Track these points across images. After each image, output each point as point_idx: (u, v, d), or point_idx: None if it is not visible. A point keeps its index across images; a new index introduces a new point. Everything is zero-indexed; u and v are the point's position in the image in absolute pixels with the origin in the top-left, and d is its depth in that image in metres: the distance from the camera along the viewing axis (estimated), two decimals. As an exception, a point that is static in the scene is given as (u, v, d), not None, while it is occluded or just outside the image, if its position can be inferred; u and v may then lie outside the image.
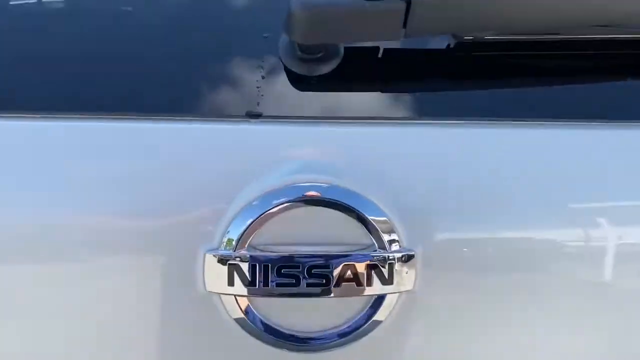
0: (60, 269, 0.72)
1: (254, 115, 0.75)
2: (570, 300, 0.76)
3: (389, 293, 0.71)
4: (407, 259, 0.71)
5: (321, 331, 0.72)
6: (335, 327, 0.72)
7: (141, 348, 0.74)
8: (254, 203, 0.70)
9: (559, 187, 0.75)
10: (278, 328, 0.72)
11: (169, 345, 0.74)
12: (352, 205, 0.70)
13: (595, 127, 0.78)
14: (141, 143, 0.73)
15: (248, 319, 0.71)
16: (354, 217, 0.70)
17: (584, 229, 0.75)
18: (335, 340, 0.72)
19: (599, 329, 0.77)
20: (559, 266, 0.75)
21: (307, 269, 0.69)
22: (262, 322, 0.72)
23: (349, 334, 0.72)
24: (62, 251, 0.71)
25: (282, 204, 0.70)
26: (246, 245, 0.70)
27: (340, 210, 0.70)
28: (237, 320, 0.72)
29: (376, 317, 0.72)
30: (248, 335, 0.72)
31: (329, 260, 0.69)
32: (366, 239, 0.71)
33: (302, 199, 0.70)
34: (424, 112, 0.80)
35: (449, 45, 0.81)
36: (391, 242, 0.71)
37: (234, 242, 0.70)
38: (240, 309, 0.71)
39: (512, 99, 0.82)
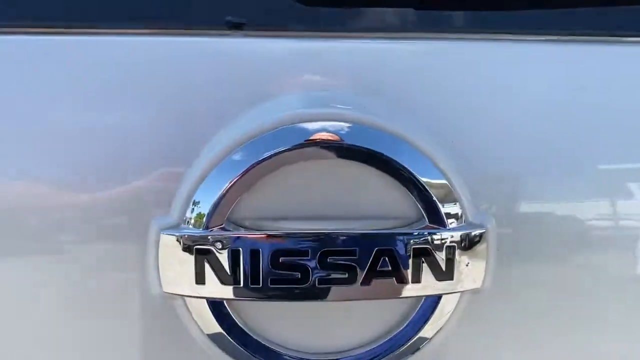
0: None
1: (235, 26, 0.50)
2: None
3: (445, 293, 0.46)
4: (474, 241, 0.46)
5: (340, 352, 0.47)
6: (362, 347, 0.47)
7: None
8: (234, 155, 0.45)
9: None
10: (273, 348, 0.47)
11: None
12: (390, 156, 0.45)
13: None
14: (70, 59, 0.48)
15: (227, 333, 0.46)
16: (391, 176, 0.45)
17: None
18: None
19: None
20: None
21: (320, 255, 0.44)
22: (248, 337, 0.47)
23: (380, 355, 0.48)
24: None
25: (277, 154, 0.44)
26: (224, 221, 0.45)
27: (368, 165, 0.45)
28: (211, 335, 0.47)
29: (424, 331, 0.47)
30: (226, 357, 0.47)
31: (353, 242, 0.45)
32: (411, 210, 0.46)
33: (309, 146, 0.45)
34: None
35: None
36: (450, 215, 0.46)
37: (204, 217, 0.45)
38: (216, 318, 0.46)
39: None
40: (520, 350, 0.53)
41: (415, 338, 0.48)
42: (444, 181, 0.47)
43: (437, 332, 0.49)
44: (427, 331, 0.48)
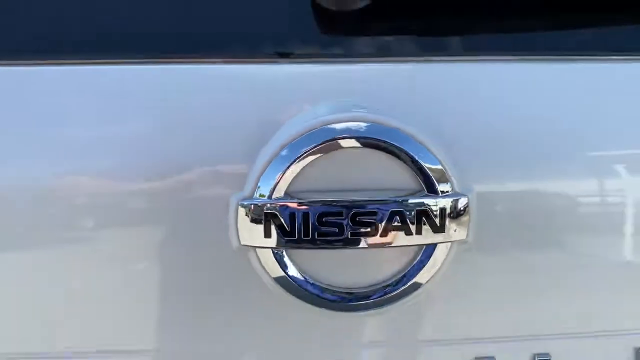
0: (85, 223, 0.66)
1: (283, 55, 0.69)
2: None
3: (439, 242, 0.65)
4: (459, 206, 0.65)
5: (369, 286, 0.66)
6: (383, 281, 0.66)
7: (171, 309, 0.68)
8: (286, 149, 0.64)
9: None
10: (319, 284, 0.66)
11: (201, 306, 0.68)
12: (398, 145, 0.64)
13: None
14: (165, 87, 0.67)
15: (287, 275, 0.65)
16: (402, 161, 0.64)
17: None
18: (382, 297, 0.66)
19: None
20: None
21: (351, 216, 0.63)
22: (302, 278, 0.65)
23: (397, 287, 0.66)
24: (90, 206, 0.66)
25: (320, 144, 0.63)
26: (283, 193, 0.64)
27: (384, 152, 0.64)
28: (275, 278, 0.65)
29: (426, 269, 0.66)
30: (285, 292, 0.66)
31: (374, 207, 0.63)
32: (415, 184, 0.65)
33: (343, 139, 0.63)
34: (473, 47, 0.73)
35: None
36: (443, 188, 0.65)
37: (269, 190, 0.64)
38: (278, 264, 0.65)
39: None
40: (499, 293, 0.71)
41: (412, 281, 0.66)
42: (439, 166, 0.65)
43: (431, 277, 0.66)
44: (428, 269, 0.66)
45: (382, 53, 0.71)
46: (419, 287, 0.66)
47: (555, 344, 0.71)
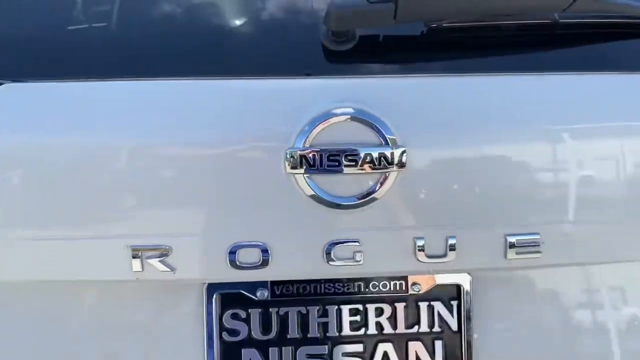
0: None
1: (307, 74, 1.30)
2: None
3: (388, 171, 1.22)
4: (402, 151, 1.23)
5: (352, 196, 1.24)
6: (361, 193, 1.24)
7: (243, 210, 1.24)
8: (313, 120, 1.23)
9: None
10: (327, 194, 1.24)
11: (262, 209, 1.25)
12: (370, 121, 1.23)
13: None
14: (232, 99, 1.26)
15: (311, 189, 1.23)
16: (372, 128, 1.23)
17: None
18: (362, 200, 1.24)
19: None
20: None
21: (345, 156, 1.21)
22: (319, 191, 1.23)
23: (367, 196, 1.24)
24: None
25: (330, 118, 1.22)
26: (310, 144, 1.22)
27: (363, 124, 1.23)
28: (309, 194, 1.23)
29: (384, 188, 1.24)
30: (310, 200, 1.23)
31: (358, 151, 1.21)
32: (380, 143, 1.22)
33: (339, 115, 1.23)
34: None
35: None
36: (396, 142, 1.23)
37: (303, 142, 1.22)
38: (307, 183, 1.23)
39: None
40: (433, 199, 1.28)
41: (378, 190, 1.24)
42: (393, 137, 1.22)
43: (385, 192, 1.24)
44: (381, 192, 1.23)
45: (369, 71, 1.32)
46: (376, 199, 1.24)
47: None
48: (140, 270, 1.23)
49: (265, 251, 1.25)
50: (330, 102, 1.23)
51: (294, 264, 1.26)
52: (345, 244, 1.26)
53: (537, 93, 1.28)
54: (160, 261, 1.23)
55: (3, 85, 1.21)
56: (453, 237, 1.26)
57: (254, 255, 1.25)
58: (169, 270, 1.24)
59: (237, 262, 1.25)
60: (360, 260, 1.25)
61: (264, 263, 1.25)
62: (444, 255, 1.27)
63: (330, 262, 1.25)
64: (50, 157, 1.20)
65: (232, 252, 1.24)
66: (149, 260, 1.23)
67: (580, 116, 1.28)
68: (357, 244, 1.26)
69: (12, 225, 1.22)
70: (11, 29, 1.34)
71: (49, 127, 1.22)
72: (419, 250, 1.26)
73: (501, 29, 1.35)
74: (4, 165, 1.19)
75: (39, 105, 1.23)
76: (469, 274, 1.32)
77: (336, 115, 1.22)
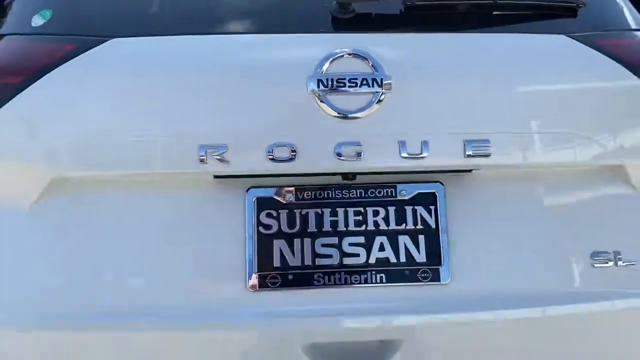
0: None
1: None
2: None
3: (381, 92, 1.73)
4: (385, 79, 1.74)
5: (356, 109, 1.75)
6: (362, 106, 1.76)
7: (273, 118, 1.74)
8: (326, 56, 1.75)
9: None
10: (338, 107, 1.73)
11: (283, 118, 1.74)
12: (366, 57, 1.75)
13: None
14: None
15: (326, 104, 1.73)
16: (365, 60, 1.74)
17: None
18: (360, 114, 1.75)
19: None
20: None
21: (349, 79, 1.72)
22: (332, 101, 1.74)
23: (364, 109, 1.75)
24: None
25: (337, 54, 1.74)
26: (325, 71, 1.72)
27: (359, 58, 1.75)
28: (324, 112, 1.73)
29: (373, 105, 1.74)
30: (329, 115, 1.73)
31: (358, 77, 1.71)
32: (372, 70, 1.74)
33: (338, 58, 1.74)
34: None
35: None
36: (380, 71, 1.75)
37: (320, 70, 1.72)
38: (322, 101, 1.73)
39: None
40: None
41: (369, 108, 1.74)
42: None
43: (378, 107, 1.75)
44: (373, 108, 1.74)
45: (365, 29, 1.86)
46: (372, 113, 1.75)
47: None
48: (205, 163, 1.66)
49: (293, 151, 1.72)
50: (338, 46, 1.72)
51: (313, 158, 1.73)
52: (350, 146, 1.72)
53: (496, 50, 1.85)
54: (218, 156, 1.70)
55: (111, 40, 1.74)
56: (426, 142, 1.73)
57: (285, 153, 1.71)
58: (227, 162, 1.70)
59: (274, 157, 1.71)
60: (360, 157, 1.71)
61: (291, 159, 1.71)
62: (420, 154, 1.75)
63: (339, 158, 1.68)
64: (150, 83, 1.73)
65: (269, 151, 1.72)
66: (212, 154, 1.69)
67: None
68: (359, 145, 1.73)
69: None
70: None
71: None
72: (402, 149, 1.73)
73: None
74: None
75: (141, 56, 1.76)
76: (441, 183, 1.80)
77: (343, 53, 1.76)
